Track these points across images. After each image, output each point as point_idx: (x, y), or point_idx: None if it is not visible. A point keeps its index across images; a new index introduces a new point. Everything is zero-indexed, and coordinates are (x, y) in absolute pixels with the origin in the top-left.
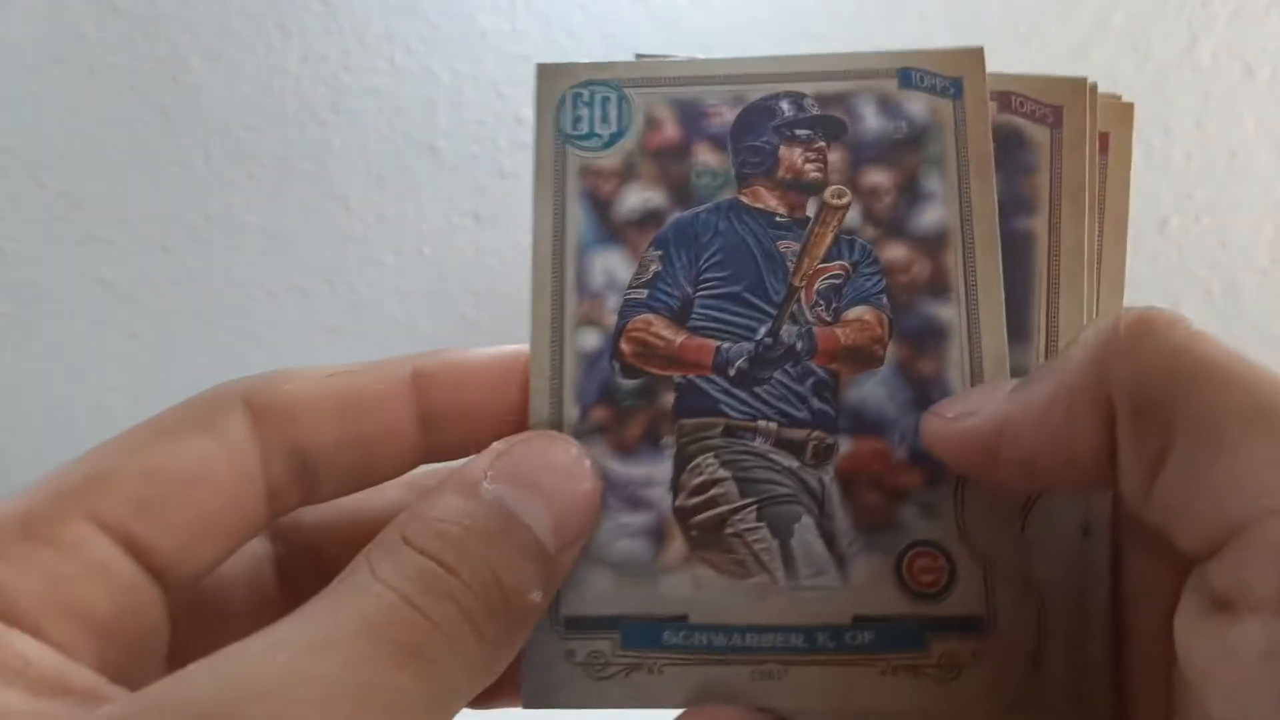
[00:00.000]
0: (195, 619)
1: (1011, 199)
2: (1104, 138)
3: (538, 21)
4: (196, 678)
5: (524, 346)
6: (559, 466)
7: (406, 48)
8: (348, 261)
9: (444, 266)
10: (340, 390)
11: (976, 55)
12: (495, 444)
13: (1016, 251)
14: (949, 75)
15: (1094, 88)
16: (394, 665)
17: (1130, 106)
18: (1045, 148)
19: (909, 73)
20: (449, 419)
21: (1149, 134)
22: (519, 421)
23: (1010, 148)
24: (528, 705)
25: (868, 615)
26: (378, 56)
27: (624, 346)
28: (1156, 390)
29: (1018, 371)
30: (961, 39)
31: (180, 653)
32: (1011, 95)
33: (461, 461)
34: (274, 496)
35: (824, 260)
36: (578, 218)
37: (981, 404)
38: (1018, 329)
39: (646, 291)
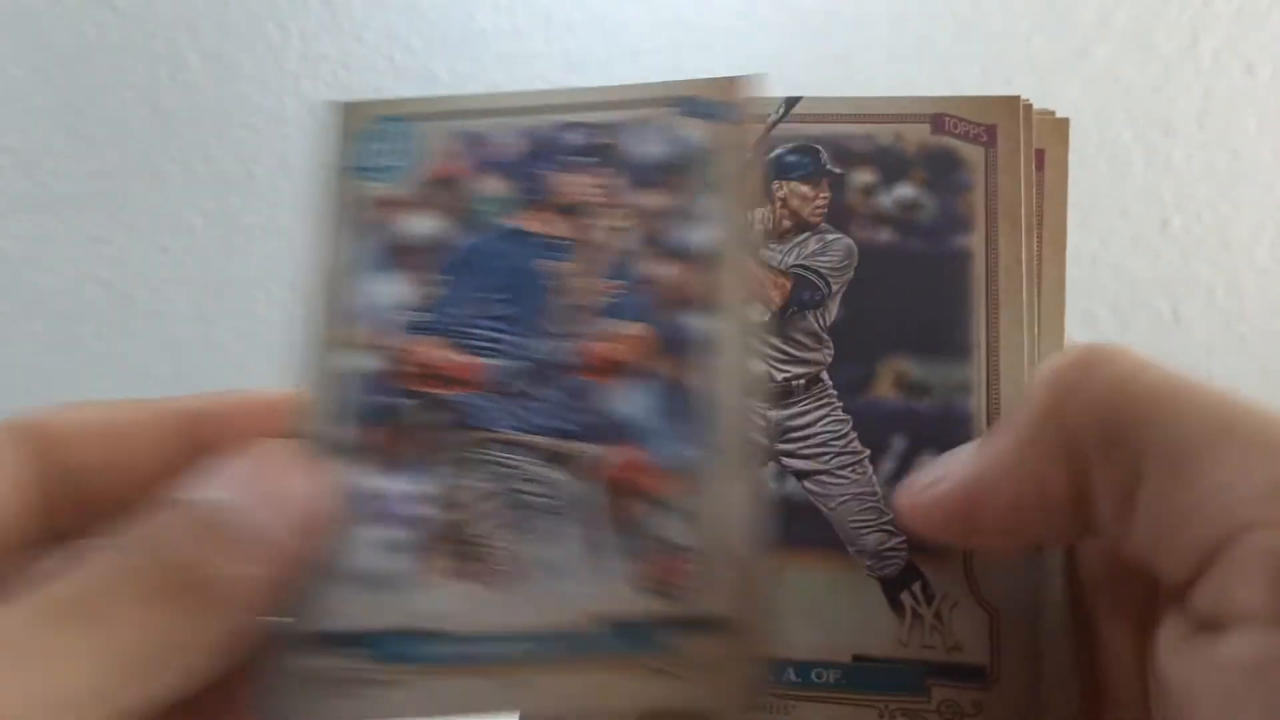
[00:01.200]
0: None
1: (947, 217)
2: (1040, 154)
3: (538, 21)
4: None
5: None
6: (266, 465)
7: (406, 48)
8: None
9: None
10: (109, 418)
11: (743, 84)
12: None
13: (953, 269)
14: (726, 102)
15: (1028, 106)
16: (55, 624)
17: (1065, 122)
18: (980, 166)
19: (689, 101)
20: (219, 452)
21: (1150, 134)
22: None
23: (945, 168)
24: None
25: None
26: (378, 56)
27: (402, 367)
28: (1117, 424)
29: (956, 387)
30: (965, 40)
31: None
32: (945, 116)
33: None
34: (55, 524)
35: (598, 278)
36: (350, 245)
37: (947, 469)
38: (957, 345)
39: (429, 315)
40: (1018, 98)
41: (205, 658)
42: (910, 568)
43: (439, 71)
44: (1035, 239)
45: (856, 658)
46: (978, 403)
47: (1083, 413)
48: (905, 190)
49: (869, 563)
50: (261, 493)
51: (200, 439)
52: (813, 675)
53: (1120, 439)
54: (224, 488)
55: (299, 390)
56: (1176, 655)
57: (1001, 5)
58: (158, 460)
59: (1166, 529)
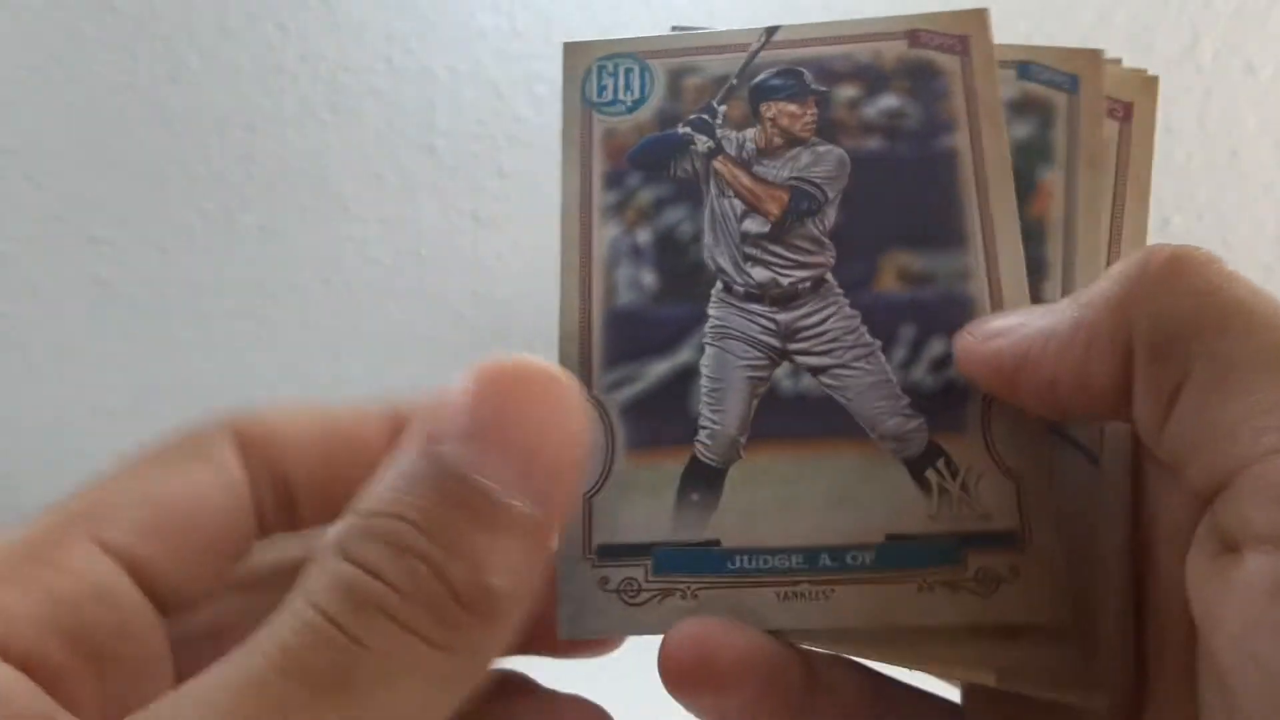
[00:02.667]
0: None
1: (931, 121)
2: (1128, 108)
3: (538, 21)
4: None
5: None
6: (536, 405)
7: (405, 48)
8: (346, 261)
9: (442, 267)
10: (322, 423)
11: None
12: (466, 377)
13: (942, 166)
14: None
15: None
16: (317, 702)
17: (1155, 80)
18: (957, 74)
19: (915, 33)
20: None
21: None
22: None
23: (924, 77)
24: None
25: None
26: (376, 56)
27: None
28: (1175, 332)
29: (956, 274)
30: None
31: None
32: (919, 31)
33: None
34: (262, 525)
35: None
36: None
37: (1011, 327)
38: (953, 235)
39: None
40: (986, 10)
41: (489, 663)
42: (933, 446)
43: (439, 71)
44: (1116, 189)
45: (890, 536)
46: (979, 287)
47: (1146, 316)
48: (889, 100)
49: (892, 445)
50: (520, 444)
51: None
52: (848, 559)
53: (1174, 347)
54: (476, 450)
55: (563, 330)
56: (1202, 578)
57: (1001, 5)
58: (365, 466)
59: (1197, 439)
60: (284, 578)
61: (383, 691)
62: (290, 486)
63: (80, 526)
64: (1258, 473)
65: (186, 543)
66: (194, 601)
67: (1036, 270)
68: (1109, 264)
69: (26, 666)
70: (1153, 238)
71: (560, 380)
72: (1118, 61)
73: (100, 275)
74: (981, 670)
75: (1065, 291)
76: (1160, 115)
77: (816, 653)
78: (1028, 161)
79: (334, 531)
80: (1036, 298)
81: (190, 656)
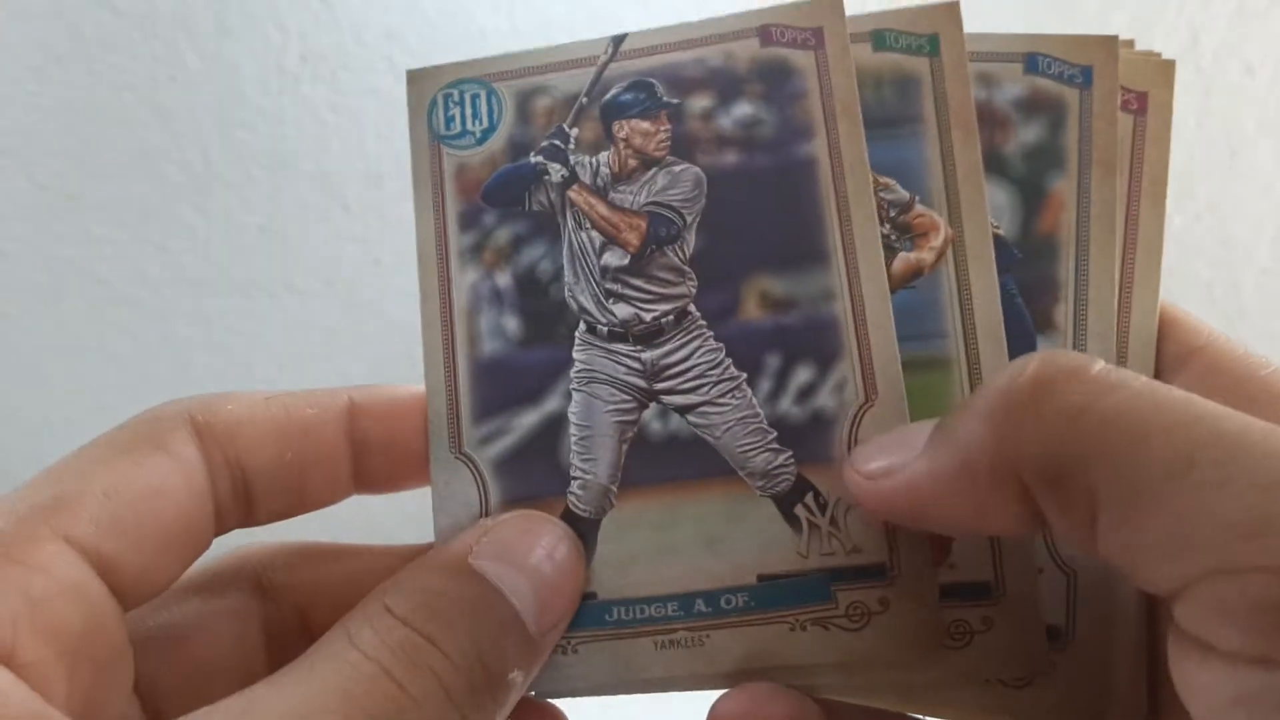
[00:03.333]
0: (175, 668)
1: (787, 128)
2: (1142, 98)
3: (537, 21)
4: None
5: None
6: (544, 546)
7: (406, 47)
8: (347, 261)
9: None
10: (278, 413)
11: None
12: (482, 521)
13: (800, 178)
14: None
15: (1125, 42)
16: None
17: (1171, 64)
18: (812, 71)
19: (767, 29)
20: (379, 449)
21: None
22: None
23: (778, 78)
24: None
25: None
26: (377, 56)
27: None
28: (1062, 468)
29: (819, 296)
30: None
31: (153, 691)
32: (771, 27)
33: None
34: (220, 514)
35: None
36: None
37: (894, 467)
38: (813, 253)
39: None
40: (1115, 37)
41: None
42: (801, 480)
43: None
44: (1127, 182)
45: (761, 577)
46: (843, 308)
47: (1028, 452)
48: (743, 108)
49: (760, 483)
50: (535, 572)
51: (357, 436)
52: (722, 602)
53: (1069, 477)
54: (504, 569)
55: (429, 376)
56: (1176, 652)
57: (1000, 6)
58: (321, 459)
59: (1130, 561)
60: (239, 582)
61: None
62: (247, 477)
63: (48, 522)
64: (1202, 594)
65: (149, 537)
66: (154, 594)
67: (1047, 291)
68: (1122, 281)
69: (10, 665)
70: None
71: (559, 529)
72: (1130, 44)
73: (100, 275)
74: (998, 716)
75: (1078, 317)
76: None
77: (850, 706)
78: (1036, 169)
79: (367, 604)
80: (1048, 322)
81: (146, 654)
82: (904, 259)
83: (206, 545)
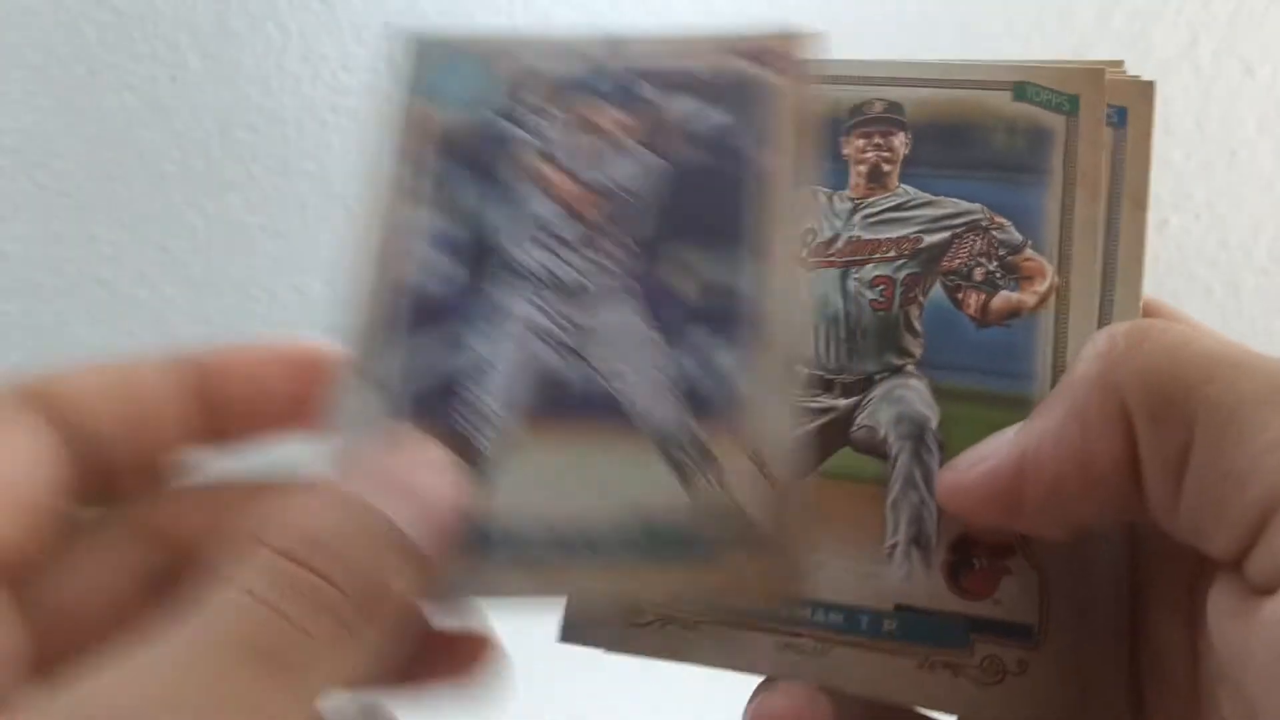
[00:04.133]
0: (60, 629)
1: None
2: (1123, 114)
3: (538, 22)
4: (50, 709)
5: (321, 340)
6: (414, 458)
7: None
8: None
9: None
10: (121, 380)
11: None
12: (351, 449)
13: (730, 174)
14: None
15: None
16: (264, 676)
17: (1151, 85)
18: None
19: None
20: (235, 406)
21: None
22: (308, 413)
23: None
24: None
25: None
26: (378, 56)
27: None
28: (1168, 388)
29: (728, 272)
30: (965, 40)
31: (47, 661)
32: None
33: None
34: (80, 483)
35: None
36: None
37: (993, 449)
38: (730, 236)
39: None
40: (800, 35)
41: (389, 651)
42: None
43: None
44: (1106, 198)
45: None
46: (749, 287)
47: (1132, 381)
48: (716, 116)
49: (656, 435)
50: (410, 487)
51: (212, 394)
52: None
53: (1171, 405)
54: (377, 490)
55: (337, 346)
56: (1229, 620)
57: (1000, 6)
58: (174, 419)
59: (1216, 495)
60: (122, 535)
61: (313, 669)
62: (98, 444)
63: None
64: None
65: (6, 510)
66: (27, 567)
67: None
68: (1104, 293)
69: None
70: (1151, 240)
71: (432, 446)
72: (1119, 65)
73: (100, 275)
74: None
75: (1058, 330)
76: (1159, 116)
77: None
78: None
79: (236, 541)
80: None
81: (46, 625)
82: (1004, 297)
83: (67, 511)
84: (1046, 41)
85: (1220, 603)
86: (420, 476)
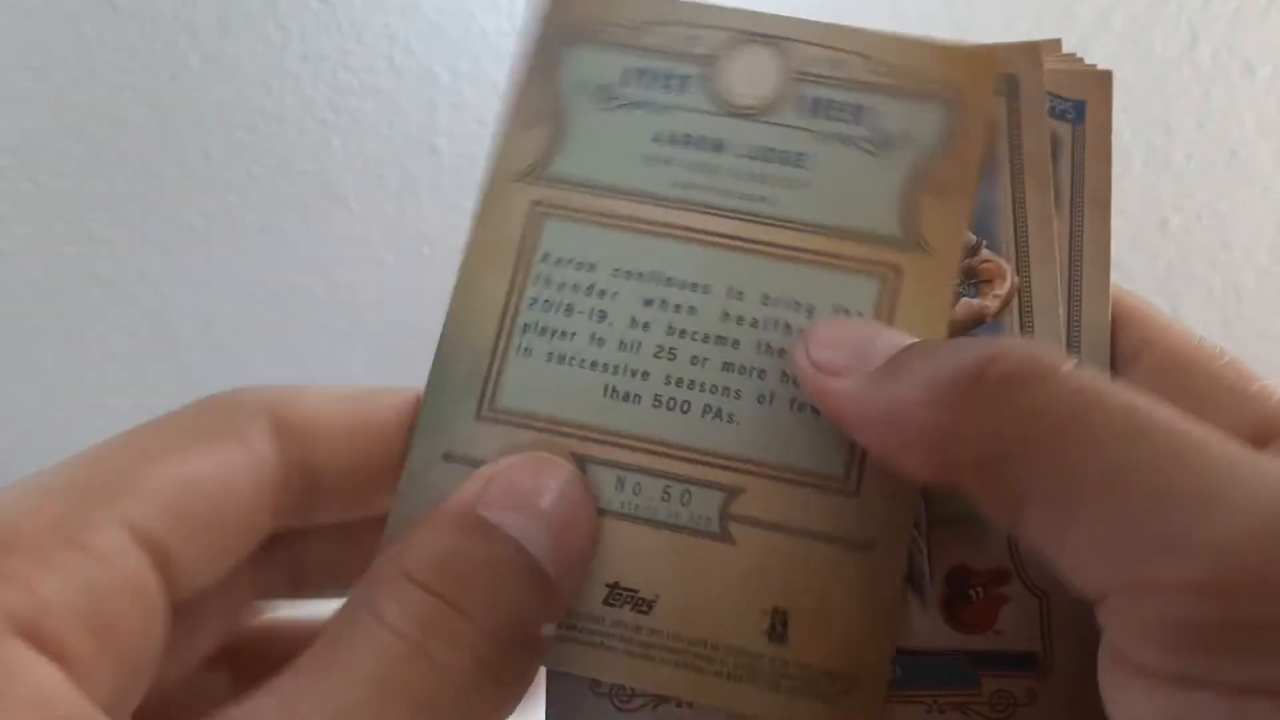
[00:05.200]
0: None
1: None
2: (1079, 107)
3: None
4: None
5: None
6: (553, 488)
7: (406, 48)
8: (348, 261)
9: (444, 266)
10: (355, 412)
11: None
12: (481, 469)
13: None
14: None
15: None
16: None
17: (1108, 75)
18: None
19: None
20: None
21: (1149, 134)
22: None
23: None
24: None
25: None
26: (378, 56)
27: None
28: (1001, 449)
29: None
30: (961, 37)
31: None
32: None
33: None
34: (279, 512)
35: None
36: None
37: (846, 362)
38: None
39: None
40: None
41: (518, 703)
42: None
43: (439, 71)
44: (1069, 192)
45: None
46: None
47: (968, 430)
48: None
49: None
50: (547, 516)
51: None
52: None
53: (1000, 468)
54: (515, 517)
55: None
56: (1103, 665)
57: (1000, 6)
58: (392, 463)
59: (1052, 559)
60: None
61: (456, 712)
62: (318, 474)
63: (110, 507)
64: (1119, 607)
65: (211, 535)
66: (201, 595)
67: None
68: (1070, 293)
69: (60, 660)
70: (1151, 239)
71: (569, 469)
72: (1056, 45)
73: (100, 275)
74: None
75: (1023, 327)
76: (1159, 115)
77: None
78: None
79: (379, 571)
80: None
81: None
82: (966, 304)
83: (255, 546)
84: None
85: (1101, 656)
86: (557, 503)
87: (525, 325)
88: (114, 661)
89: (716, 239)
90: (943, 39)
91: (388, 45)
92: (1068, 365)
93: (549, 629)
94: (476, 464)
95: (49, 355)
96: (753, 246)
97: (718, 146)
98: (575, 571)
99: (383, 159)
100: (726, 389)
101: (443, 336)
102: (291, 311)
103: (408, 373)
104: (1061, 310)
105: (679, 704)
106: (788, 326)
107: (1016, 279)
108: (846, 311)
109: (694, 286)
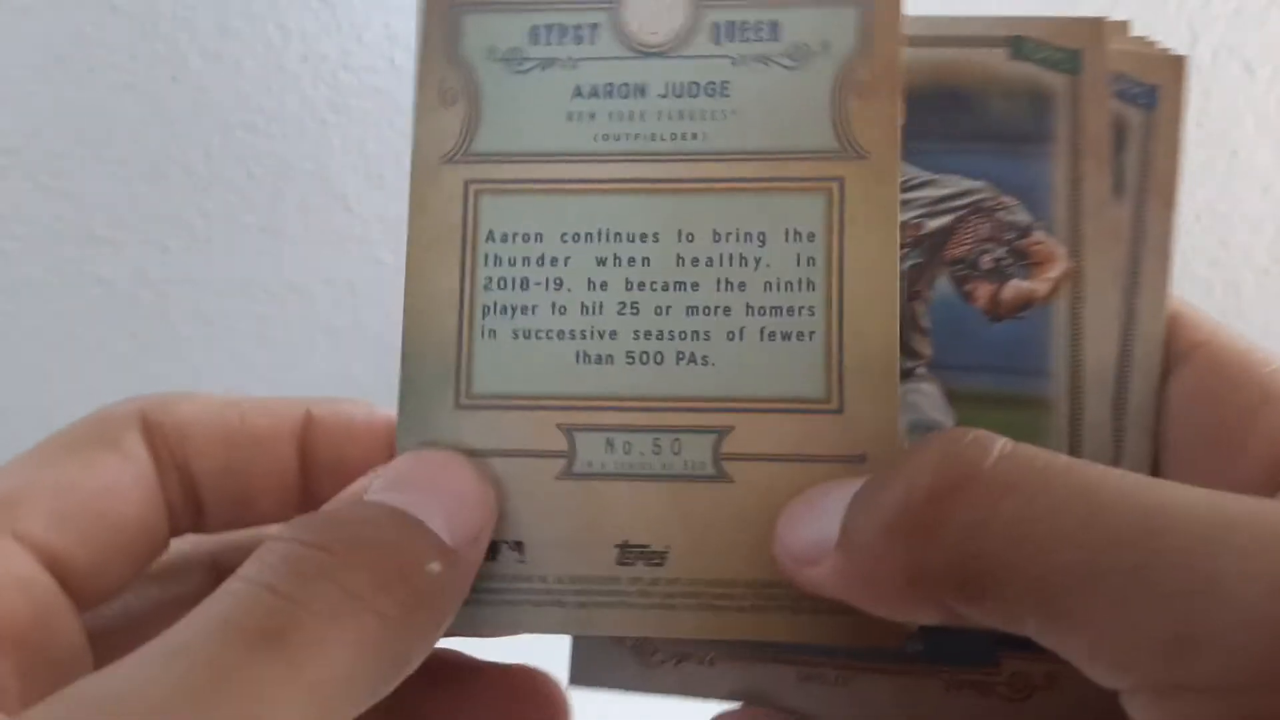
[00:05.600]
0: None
1: None
2: (1151, 92)
3: None
4: (51, 704)
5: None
6: (439, 466)
7: (406, 47)
8: (347, 261)
9: None
10: (232, 419)
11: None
12: (373, 469)
13: None
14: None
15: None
16: (253, 656)
17: (1182, 60)
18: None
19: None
20: (330, 469)
21: None
22: None
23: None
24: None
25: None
26: (378, 56)
27: None
28: (974, 576)
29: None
30: None
31: None
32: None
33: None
34: (172, 516)
35: None
36: None
37: (819, 538)
38: None
39: None
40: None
41: (421, 654)
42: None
43: None
44: (1136, 193)
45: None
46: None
47: (935, 567)
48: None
49: None
50: (436, 489)
51: (308, 452)
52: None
53: (982, 593)
54: (412, 496)
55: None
56: None
57: (1001, 5)
58: (269, 472)
59: (1064, 658)
60: (196, 570)
61: (318, 649)
62: (195, 481)
63: None
64: (1134, 705)
65: (99, 534)
66: (109, 593)
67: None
68: (1128, 283)
69: None
70: None
71: (455, 453)
72: (1124, 27)
73: (100, 275)
74: None
75: (1074, 315)
76: None
77: None
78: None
79: (277, 528)
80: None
81: (107, 648)
82: (1015, 287)
83: (162, 546)
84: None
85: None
86: (447, 482)
87: (485, 308)
88: (16, 655)
89: (656, 185)
90: None
91: (388, 45)
92: (994, 452)
93: (434, 566)
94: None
95: (49, 355)
96: (693, 185)
97: (640, 90)
98: (473, 538)
99: (383, 159)
100: (695, 333)
101: (405, 333)
102: (291, 311)
103: None
104: (1116, 300)
105: (700, 661)
106: (743, 259)
107: (1070, 263)
108: (799, 234)
109: (643, 237)
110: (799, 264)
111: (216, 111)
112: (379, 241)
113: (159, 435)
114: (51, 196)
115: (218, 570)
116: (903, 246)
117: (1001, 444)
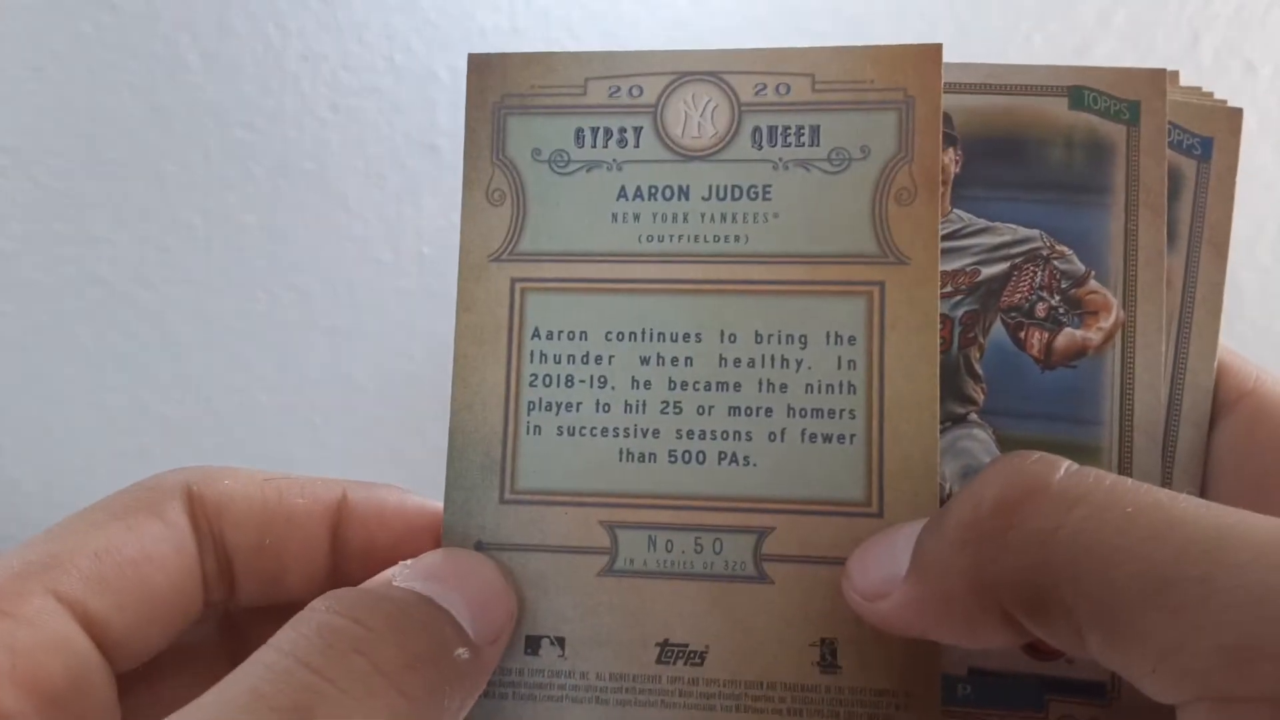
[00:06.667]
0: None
1: None
2: (1207, 144)
3: (537, 20)
4: None
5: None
6: (467, 565)
7: (406, 47)
8: (347, 261)
9: (444, 266)
10: (270, 496)
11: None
12: (402, 561)
13: None
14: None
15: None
16: None
17: (1239, 113)
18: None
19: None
20: (360, 552)
21: None
22: None
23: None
24: None
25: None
26: (377, 56)
27: None
28: (1041, 585)
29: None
30: (964, 38)
31: None
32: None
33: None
34: (206, 587)
35: None
36: None
37: (886, 575)
38: None
39: None
40: (1163, 71)
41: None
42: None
43: (439, 71)
44: (1187, 241)
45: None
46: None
47: (1004, 582)
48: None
49: None
50: (462, 585)
51: (340, 534)
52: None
53: (1048, 603)
54: (442, 588)
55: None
56: None
57: (1001, 5)
58: (300, 551)
59: (1126, 676)
60: (209, 618)
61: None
62: (228, 555)
63: (37, 578)
64: (1200, 715)
65: (138, 599)
66: (143, 657)
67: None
68: (1180, 331)
69: None
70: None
71: (480, 555)
72: (1174, 77)
73: (100, 275)
74: None
75: (1125, 362)
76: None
77: None
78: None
79: (316, 600)
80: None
81: (121, 688)
82: (1069, 335)
83: (196, 614)
84: (1048, 40)
85: None
86: (471, 578)
87: (530, 404)
88: (50, 714)
89: (699, 285)
90: (885, 43)
91: (388, 45)
92: (1060, 470)
93: (462, 652)
94: (508, 549)
95: (49, 355)
96: (735, 287)
97: (683, 193)
98: (494, 639)
99: (383, 159)
100: (737, 433)
101: (452, 426)
102: (291, 311)
103: (408, 372)
104: (1166, 350)
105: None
106: (785, 360)
107: (1123, 314)
108: (840, 337)
109: (686, 336)
110: (840, 366)
111: (216, 111)
112: (378, 242)
113: (199, 507)
114: (51, 196)
115: (230, 619)
116: (958, 292)
117: (1068, 463)
